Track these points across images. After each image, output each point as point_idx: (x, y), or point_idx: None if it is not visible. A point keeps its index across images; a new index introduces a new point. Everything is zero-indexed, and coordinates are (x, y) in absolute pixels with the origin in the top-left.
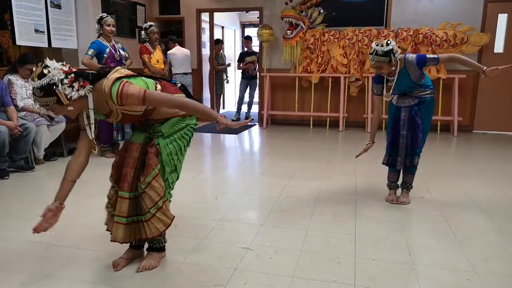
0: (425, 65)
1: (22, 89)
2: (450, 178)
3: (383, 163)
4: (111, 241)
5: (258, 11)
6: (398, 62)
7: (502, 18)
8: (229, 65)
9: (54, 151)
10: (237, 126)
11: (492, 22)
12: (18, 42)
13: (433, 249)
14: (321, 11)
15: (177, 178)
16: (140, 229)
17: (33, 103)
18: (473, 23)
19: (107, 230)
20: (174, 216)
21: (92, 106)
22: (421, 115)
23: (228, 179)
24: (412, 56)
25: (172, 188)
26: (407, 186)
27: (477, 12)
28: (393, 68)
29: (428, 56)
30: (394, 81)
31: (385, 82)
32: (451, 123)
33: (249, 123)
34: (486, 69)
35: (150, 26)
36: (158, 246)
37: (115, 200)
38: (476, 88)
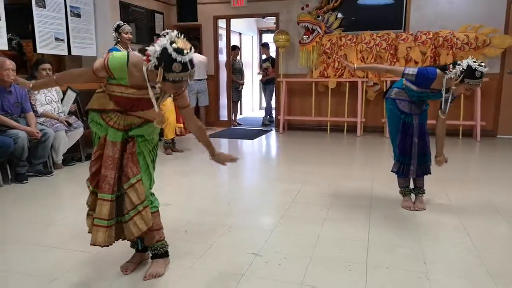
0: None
1: (41, 95)
2: (471, 184)
3: (392, 171)
4: (91, 244)
5: (274, 17)
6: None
7: None
8: (243, 84)
9: (72, 156)
10: None
11: None
12: (38, 50)
13: (450, 258)
14: (338, 15)
15: (152, 185)
16: (121, 229)
17: (52, 109)
18: (495, 25)
19: (89, 232)
20: (162, 227)
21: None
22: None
23: (241, 184)
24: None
25: (153, 197)
26: (421, 190)
27: (499, 13)
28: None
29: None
30: (450, 97)
31: (443, 97)
32: (473, 128)
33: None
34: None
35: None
36: (162, 251)
37: (94, 204)
38: (500, 91)
